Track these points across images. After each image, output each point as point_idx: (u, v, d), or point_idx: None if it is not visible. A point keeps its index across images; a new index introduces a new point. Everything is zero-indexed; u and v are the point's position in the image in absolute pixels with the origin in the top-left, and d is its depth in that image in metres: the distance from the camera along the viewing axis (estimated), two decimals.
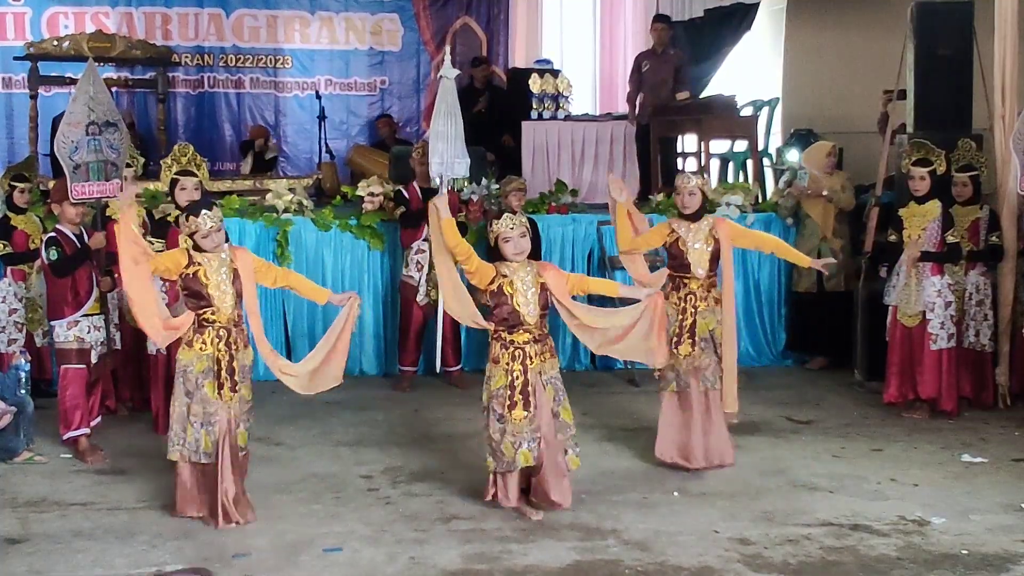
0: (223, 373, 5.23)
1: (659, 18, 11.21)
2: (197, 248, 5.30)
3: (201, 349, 5.24)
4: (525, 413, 5.23)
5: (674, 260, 6.16)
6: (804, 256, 6.61)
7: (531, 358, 5.28)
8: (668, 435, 6.20)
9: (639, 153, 10.63)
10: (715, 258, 6.09)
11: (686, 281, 6.10)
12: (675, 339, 6.04)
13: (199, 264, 5.23)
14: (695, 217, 6.14)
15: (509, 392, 5.25)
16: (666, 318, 5.80)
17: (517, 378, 5.26)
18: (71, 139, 6.21)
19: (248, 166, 11.28)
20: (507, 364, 5.28)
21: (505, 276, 5.28)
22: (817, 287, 8.71)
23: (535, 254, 7.49)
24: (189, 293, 5.27)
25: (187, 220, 5.28)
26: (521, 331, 5.28)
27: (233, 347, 5.27)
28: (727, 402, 6.20)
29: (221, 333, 5.26)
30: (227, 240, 5.50)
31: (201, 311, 5.25)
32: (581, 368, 8.81)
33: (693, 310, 6.09)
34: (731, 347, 6.18)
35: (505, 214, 5.40)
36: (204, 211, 5.23)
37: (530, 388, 5.25)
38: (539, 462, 5.26)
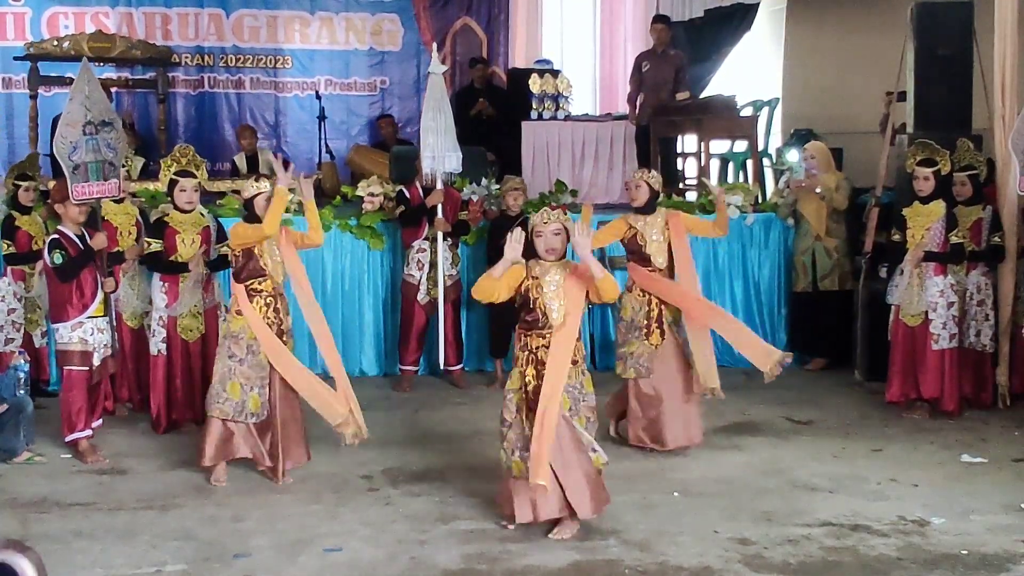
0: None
1: (659, 18, 11.21)
2: (249, 220, 5.86)
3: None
4: (525, 421, 5.01)
5: (634, 254, 6.46)
6: (724, 217, 6.61)
7: (544, 362, 5.00)
8: (637, 421, 6.43)
9: (639, 153, 10.62)
10: (671, 249, 6.40)
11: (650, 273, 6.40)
12: (644, 330, 6.38)
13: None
14: (648, 210, 6.45)
15: (523, 396, 5.05)
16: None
17: (528, 383, 5.06)
18: (69, 139, 6.21)
19: (243, 163, 11.25)
20: (522, 368, 5.08)
21: (535, 278, 5.01)
22: (812, 287, 8.72)
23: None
24: (243, 265, 5.86)
25: (256, 181, 5.94)
26: (537, 335, 5.02)
27: (281, 312, 5.92)
28: (705, 378, 6.37)
29: (269, 301, 5.86)
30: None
31: (251, 281, 5.84)
32: None
33: (658, 300, 6.40)
34: (702, 330, 6.44)
35: (544, 209, 5.14)
36: (264, 178, 5.89)
37: (538, 396, 4.96)
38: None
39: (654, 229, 6.40)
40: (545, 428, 4.87)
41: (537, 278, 5.01)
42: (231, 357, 5.83)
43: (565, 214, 5.09)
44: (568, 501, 5.01)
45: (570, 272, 5.04)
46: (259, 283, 5.87)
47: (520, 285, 5.01)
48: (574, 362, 5.07)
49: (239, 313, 5.86)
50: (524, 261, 5.02)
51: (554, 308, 4.99)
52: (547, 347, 4.99)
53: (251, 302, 5.85)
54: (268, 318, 5.87)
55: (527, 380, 5.05)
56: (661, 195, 6.90)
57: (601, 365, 8.85)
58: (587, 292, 5.00)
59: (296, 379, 5.85)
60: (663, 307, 6.40)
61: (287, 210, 8.39)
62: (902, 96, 8.54)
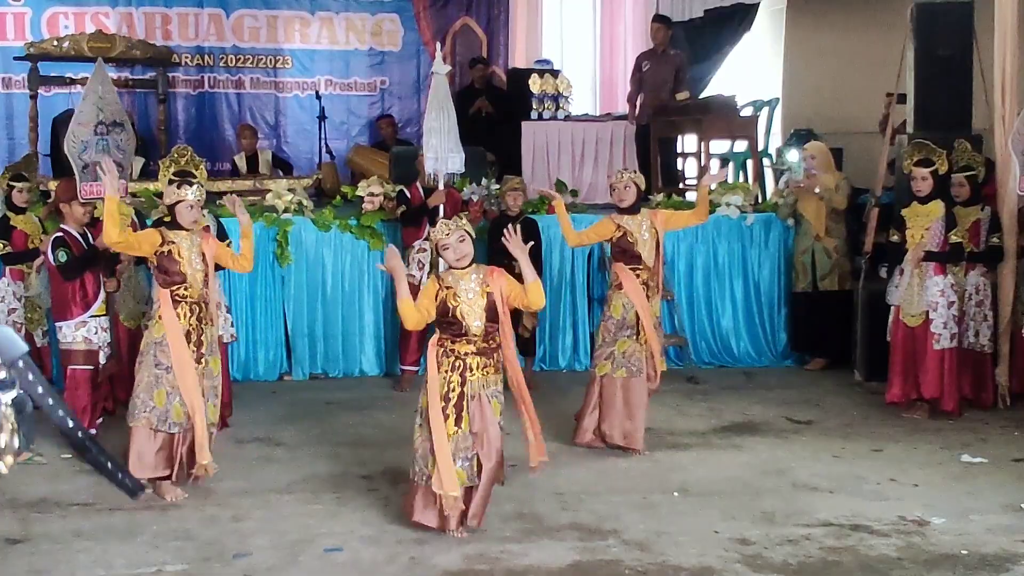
0: (191, 346, 5.55)
1: (658, 18, 11.22)
2: (171, 227, 5.63)
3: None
4: (456, 429, 4.91)
5: (624, 254, 6.50)
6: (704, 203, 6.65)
7: (472, 370, 4.94)
8: (617, 419, 6.45)
9: (639, 153, 10.63)
10: (657, 246, 6.49)
11: (638, 272, 6.46)
12: (635, 329, 6.42)
13: (173, 243, 5.57)
14: (634, 210, 6.51)
15: (442, 404, 4.92)
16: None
17: (453, 390, 4.94)
18: (80, 139, 6.24)
19: (243, 164, 11.25)
20: (445, 373, 4.94)
21: (449, 288, 4.94)
22: (813, 287, 8.72)
23: (536, 255, 7.53)
24: (162, 270, 5.57)
25: (178, 188, 5.63)
26: (464, 341, 4.94)
27: (203, 322, 5.63)
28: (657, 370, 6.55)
29: (193, 308, 5.59)
30: (207, 229, 5.76)
31: (175, 287, 5.56)
32: (581, 368, 8.81)
33: (647, 298, 6.45)
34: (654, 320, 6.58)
35: (441, 220, 5.14)
36: (191, 183, 5.62)
37: (464, 403, 4.92)
38: (473, 483, 4.96)
39: (642, 228, 6.46)
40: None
41: (451, 287, 4.95)
42: (157, 365, 5.53)
43: (463, 221, 5.09)
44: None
45: (486, 274, 5.00)
46: (183, 289, 5.57)
47: (437, 295, 4.96)
48: (498, 369, 5.04)
49: (160, 318, 5.58)
50: (435, 274, 5.12)
51: (474, 315, 4.92)
52: (476, 353, 4.93)
53: (176, 309, 5.55)
54: (190, 325, 5.58)
55: (451, 387, 4.94)
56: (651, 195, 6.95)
57: None
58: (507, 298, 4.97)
59: (190, 398, 5.53)
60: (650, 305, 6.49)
61: (288, 211, 8.48)
62: (902, 98, 8.54)
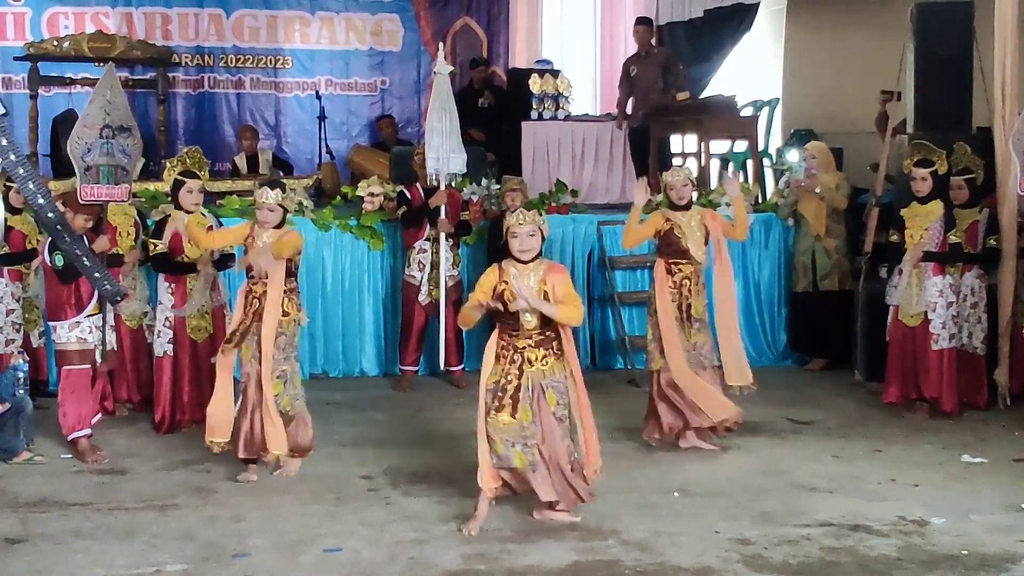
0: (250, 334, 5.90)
1: (640, 20, 11.28)
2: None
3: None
4: (510, 419, 5.04)
5: (669, 247, 6.49)
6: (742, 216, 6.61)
7: (530, 362, 5.07)
8: (668, 410, 6.48)
9: (634, 156, 10.65)
10: (705, 244, 6.50)
11: (681, 267, 6.46)
12: (678, 323, 6.43)
13: (254, 237, 5.94)
14: (686, 207, 6.51)
15: (500, 394, 5.07)
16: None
17: (510, 382, 5.07)
18: (84, 141, 6.24)
19: (243, 164, 11.25)
20: (505, 366, 5.08)
21: (507, 283, 5.01)
22: (813, 287, 8.72)
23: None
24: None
25: (259, 188, 6.01)
26: (521, 336, 5.08)
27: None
28: (733, 376, 6.55)
29: (260, 300, 5.88)
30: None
31: (255, 279, 5.91)
32: (581, 368, 8.78)
33: (688, 294, 6.46)
34: (733, 325, 6.64)
35: (520, 209, 5.22)
36: (267, 187, 5.95)
37: (520, 394, 5.04)
38: (535, 468, 5.08)
39: (692, 224, 6.46)
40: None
41: (509, 283, 5.00)
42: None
43: (541, 217, 5.13)
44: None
45: (546, 270, 5.07)
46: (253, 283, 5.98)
47: (495, 289, 5.03)
48: (559, 356, 5.15)
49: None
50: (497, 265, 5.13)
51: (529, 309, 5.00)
52: (533, 346, 5.05)
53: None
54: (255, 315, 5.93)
55: (508, 379, 5.06)
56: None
57: (601, 365, 8.85)
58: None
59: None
60: (692, 302, 6.46)
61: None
62: (899, 97, 8.54)
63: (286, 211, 6.00)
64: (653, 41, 11.12)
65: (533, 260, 5.07)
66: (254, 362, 5.87)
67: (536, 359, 5.09)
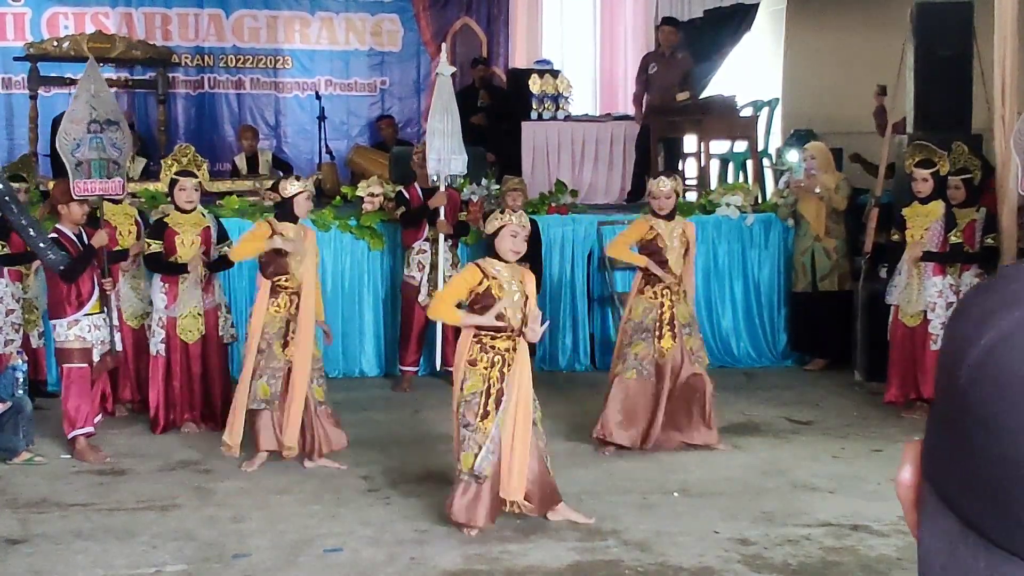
0: (289, 333, 5.99)
1: (667, 20, 11.23)
2: (280, 219, 6.08)
3: (275, 312, 6.00)
4: (491, 425, 4.98)
5: (652, 256, 6.44)
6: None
7: (510, 365, 5.03)
8: (615, 417, 6.38)
9: (638, 154, 10.64)
10: (686, 255, 6.50)
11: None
12: (656, 333, 6.37)
13: (280, 234, 5.98)
14: (669, 217, 6.48)
15: (484, 400, 4.99)
16: None
17: (493, 385, 5.01)
18: (72, 136, 6.23)
19: (243, 164, 11.26)
20: (485, 369, 5.01)
21: (494, 278, 5.01)
22: (813, 287, 8.73)
23: (535, 255, 7.54)
24: (270, 260, 6.01)
25: (285, 181, 6.18)
26: (504, 337, 5.03)
27: (298, 311, 6.04)
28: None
29: (292, 298, 6.01)
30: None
31: (277, 278, 5.98)
32: (581, 368, 8.82)
33: (670, 303, 6.41)
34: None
35: (520, 211, 5.30)
36: (293, 178, 6.15)
37: (504, 397, 5.00)
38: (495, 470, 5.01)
39: (674, 235, 6.42)
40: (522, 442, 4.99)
41: (496, 278, 5.01)
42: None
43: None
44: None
45: (523, 273, 5.14)
46: (285, 280, 6.07)
47: (477, 286, 5.00)
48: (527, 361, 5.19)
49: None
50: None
51: (515, 309, 5.01)
52: (514, 349, 5.01)
53: (277, 298, 6.05)
54: (291, 313, 6.04)
55: (491, 383, 5.00)
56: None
57: (602, 366, 8.84)
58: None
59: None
60: (674, 310, 6.39)
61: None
62: (883, 89, 8.55)
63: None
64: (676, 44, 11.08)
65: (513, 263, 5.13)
66: (298, 361, 5.98)
67: (512, 360, 5.04)
